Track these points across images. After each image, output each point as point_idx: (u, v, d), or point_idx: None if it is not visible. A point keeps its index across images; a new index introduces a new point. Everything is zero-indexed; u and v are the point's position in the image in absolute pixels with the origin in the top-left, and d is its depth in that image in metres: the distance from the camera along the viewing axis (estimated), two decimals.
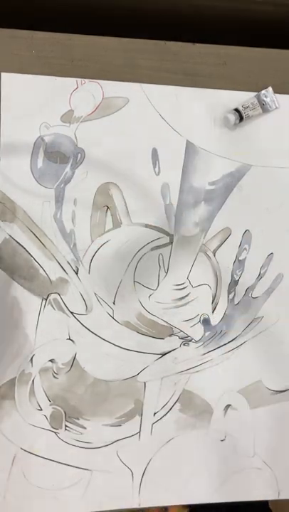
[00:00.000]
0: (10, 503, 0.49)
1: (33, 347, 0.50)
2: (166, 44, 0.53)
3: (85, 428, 0.51)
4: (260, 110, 0.53)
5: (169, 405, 0.52)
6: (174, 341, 0.53)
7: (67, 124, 0.51)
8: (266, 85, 0.54)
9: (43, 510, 0.50)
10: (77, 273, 0.51)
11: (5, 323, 0.49)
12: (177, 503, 0.54)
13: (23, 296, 0.50)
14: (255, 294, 0.54)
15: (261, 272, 0.54)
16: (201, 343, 0.53)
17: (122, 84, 0.52)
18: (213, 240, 0.54)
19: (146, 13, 0.55)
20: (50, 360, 0.51)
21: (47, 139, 0.51)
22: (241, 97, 0.53)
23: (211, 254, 0.54)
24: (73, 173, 0.51)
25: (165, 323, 0.53)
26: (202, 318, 0.53)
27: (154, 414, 0.52)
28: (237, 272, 0.54)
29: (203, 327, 0.53)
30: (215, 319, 0.53)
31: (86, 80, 0.51)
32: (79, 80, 0.51)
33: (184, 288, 0.53)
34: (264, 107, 0.53)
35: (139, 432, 0.52)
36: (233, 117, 0.52)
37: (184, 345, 0.53)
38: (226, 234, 0.54)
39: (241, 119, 0.53)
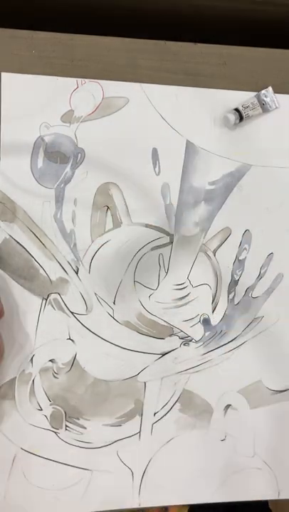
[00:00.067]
0: (10, 503, 0.49)
1: (33, 347, 0.50)
2: (167, 44, 0.53)
3: (85, 428, 0.51)
4: (260, 110, 0.54)
5: (169, 405, 0.52)
6: (174, 341, 0.53)
7: (68, 124, 0.51)
8: (266, 85, 0.54)
9: (43, 510, 0.50)
10: (77, 273, 0.51)
11: (5, 324, 0.49)
12: (177, 503, 0.54)
13: (23, 296, 0.50)
14: (255, 293, 0.54)
15: (261, 272, 0.54)
16: (201, 343, 0.53)
17: (122, 84, 0.52)
18: (213, 240, 0.54)
19: (147, 13, 0.55)
20: (50, 360, 0.51)
21: (47, 139, 0.51)
22: (241, 97, 0.53)
23: (211, 254, 0.54)
24: (73, 173, 0.51)
25: (165, 323, 0.53)
26: (202, 318, 0.53)
27: (154, 414, 0.52)
28: (237, 271, 0.54)
29: (203, 327, 0.53)
30: (215, 319, 0.53)
31: (86, 80, 0.51)
32: (79, 79, 0.51)
33: (184, 288, 0.53)
34: (264, 107, 0.54)
35: (140, 431, 0.52)
36: (233, 117, 0.52)
37: (184, 345, 0.53)
38: (226, 234, 0.54)
39: (241, 118, 0.53)
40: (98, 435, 0.51)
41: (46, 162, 0.51)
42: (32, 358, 0.50)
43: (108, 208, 0.52)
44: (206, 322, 0.53)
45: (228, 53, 0.54)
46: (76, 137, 0.51)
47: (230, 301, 0.54)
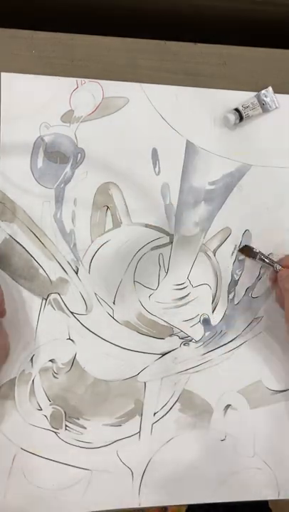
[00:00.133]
0: (10, 503, 0.49)
1: (33, 347, 0.50)
2: (167, 44, 0.53)
3: (85, 428, 0.51)
4: (260, 110, 0.54)
5: (169, 405, 0.52)
6: (174, 341, 0.53)
7: (68, 124, 0.51)
8: (266, 85, 0.54)
9: (43, 510, 0.50)
10: (77, 273, 0.51)
11: (5, 323, 0.49)
12: (177, 503, 0.54)
13: (23, 296, 0.50)
14: (255, 294, 0.54)
15: (261, 272, 0.54)
16: (201, 343, 0.53)
17: (122, 84, 0.52)
18: (213, 240, 0.54)
19: (147, 13, 0.55)
20: (50, 360, 0.51)
21: (47, 138, 0.51)
22: (241, 97, 0.53)
23: (211, 254, 0.54)
24: (73, 173, 0.51)
25: (165, 323, 0.53)
26: (202, 318, 0.53)
27: (154, 414, 0.52)
28: (237, 271, 0.54)
29: (203, 327, 0.53)
30: (215, 319, 0.53)
31: (86, 80, 0.51)
32: (79, 79, 0.51)
33: (184, 288, 0.53)
34: (264, 107, 0.54)
35: (139, 431, 0.51)
36: (233, 117, 0.52)
37: (184, 345, 0.53)
38: (226, 234, 0.54)
39: (241, 118, 0.53)
40: (98, 435, 0.51)
41: (46, 162, 0.51)
42: (32, 358, 0.50)
43: (108, 207, 0.52)
44: (206, 322, 0.53)
45: (228, 53, 0.54)
46: (76, 137, 0.51)
47: (230, 301, 0.54)
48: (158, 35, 0.52)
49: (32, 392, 0.50)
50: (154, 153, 0.53)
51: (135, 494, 0.51)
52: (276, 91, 0.54)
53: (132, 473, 0.51)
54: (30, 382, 0.50)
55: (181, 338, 0.53)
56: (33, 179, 0.51)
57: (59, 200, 0.51)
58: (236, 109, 0.53)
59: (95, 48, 0.52)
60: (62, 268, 0.51)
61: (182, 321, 0.53)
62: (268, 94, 0.54)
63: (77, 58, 0.51)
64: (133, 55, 0.52)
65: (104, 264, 0.52)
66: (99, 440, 0.51)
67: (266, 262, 0.52)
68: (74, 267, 0.51)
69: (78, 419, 0.51)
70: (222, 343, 0.53)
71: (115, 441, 0.51)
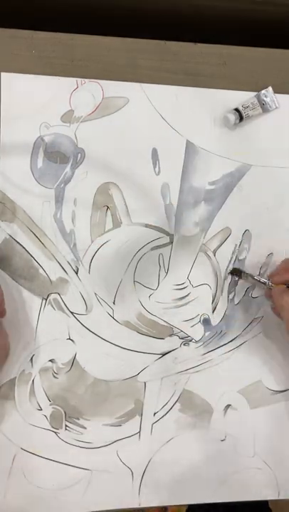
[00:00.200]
0: (10, 503, 0.49)
1: (33, 347, 0.50)
2: (167, 44, 0.53)
3: (85, 428, 0.51)
4: (260, 110, 0.54)
5: (169, 405, 0.52)
6: (174, 341, 0.53)
7: (68, 124, 0.51)
8: (266, 85, 0.54)
9: (43, 510, 0.50)
10: (77, 273, 0.51)
11: (5, 323, 0.49)
12: (177, 503, 0.54)
13: (23, 296, 0.50)
14: (255, 294, 0.54)
15: (261, 272, 0.54)
16: (201, 343, 0.53)
17: (122, 84, 0.52)
18: (213, 240, 0.54)
19: (147, 13, 0.55)
20: (50, 360, 0.51)
21: (47, 138, 0.51)
22: (241, 97, 0.53)
23: (211, 254, 0.54)
24: (73, 173, 0.51)
25: (165, 323, 0.53)
26: (202, 318, 0.53)
27: (154, 414, 0.52)
28: None
29: (203, 327, 0.53)
30: (215, 319, 0.53)
31: (86, 80, 0.51)
32: (79, 79, 0.51)
33: (184, 288, 0.53)
34: (264, 107, 0.54)
35: (139, 431, 0.51)
36: (233, 117, 0.52)
37: (184, 345, 0.53)
38: (226, 234, 0.54)
39: (241, 118, 0.53)
40: (98, 435, 0.51)
41: (46, 162, 0.51)
42: (32, 358, 0.50)
43: (108, 207, 0.52)
44: (206, 322, 0.53)
45: (228, 53, 0.54)
46: (76, 137, 0.51)
47: (230, 301, 0.54)
48: (158, 35, 0.52)
49: (32, 392, 0.50)
50: (154, 153, 0.53)
51: (135, 494, 0.51)
52: (276, 91, 0.54)
53: (132, 473, 0.51)
54: (30, 382, 0.50)
55: (181, 338, 0.53)
56: (33, 179, 0.51)
57: (59, 200, 0.51)
58: (236, 109, 0.53)
59: (95, 48, 0.52)
60: (62, 268, 0.51)
61: (182, 321, 0.53)
62: (268, 94, 0.54)
63: (77, 58, 0.51)
64: (133, 55, 0.52)
65: (104, 264, 0.52)
66: (99, 440, 0.51)
67: (257, 281, 0.52)
68: (74, 267, 0.51)
69: (78, 419, 0.51)
70: (222, 343, 0.53)
71: (115, 441, 0.51)
